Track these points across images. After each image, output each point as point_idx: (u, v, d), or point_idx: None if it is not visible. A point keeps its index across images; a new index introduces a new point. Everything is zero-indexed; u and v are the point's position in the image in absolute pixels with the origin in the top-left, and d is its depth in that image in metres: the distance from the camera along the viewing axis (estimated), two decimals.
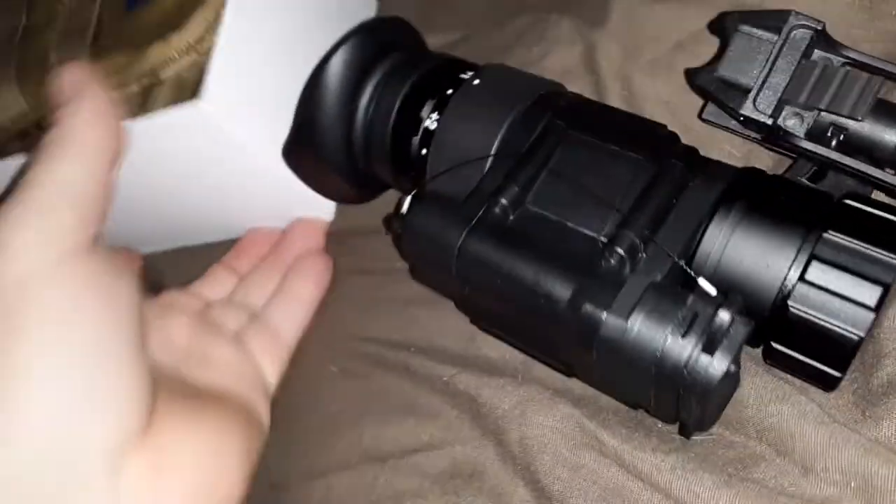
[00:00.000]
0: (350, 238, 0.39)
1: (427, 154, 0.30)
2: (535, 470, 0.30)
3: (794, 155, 0.29)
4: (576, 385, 0.31)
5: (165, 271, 0.44)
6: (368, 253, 0.38)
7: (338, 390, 0.36)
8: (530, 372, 0.32)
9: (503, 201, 0.27)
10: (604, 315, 0.25)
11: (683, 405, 0.25)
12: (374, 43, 0.33)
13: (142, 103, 0.36)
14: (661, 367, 0.24)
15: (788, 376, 0.28)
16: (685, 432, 0.27)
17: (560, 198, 0.27)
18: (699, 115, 0.31)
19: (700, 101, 0.33)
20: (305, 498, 0.34)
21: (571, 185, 0.27)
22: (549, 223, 0.27)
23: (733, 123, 0.29)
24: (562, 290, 0.26)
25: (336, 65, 0.33)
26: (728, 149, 0.32)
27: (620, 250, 0.25)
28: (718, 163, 0.28)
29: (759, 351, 0.28)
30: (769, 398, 0.28)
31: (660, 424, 0.29)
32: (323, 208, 0.40)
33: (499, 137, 0.29)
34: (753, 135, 0.29)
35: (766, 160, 0.32)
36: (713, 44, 0.34)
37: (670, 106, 0.35)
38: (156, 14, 0.37)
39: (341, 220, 0.40)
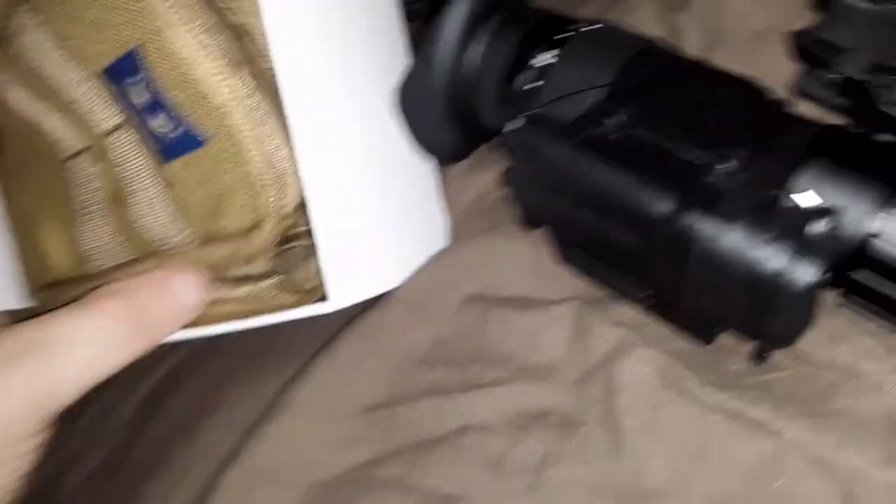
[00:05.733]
0: None
1: (540, 87, 0.33)
2: (612, 408, 0.31)
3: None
4: (657, 329, 0.33)
5: None
6: None
7: None
8: None
9: (609, 122, 0.30)
10: (704, 223, 0.27)
11: (770, 315, 0.26)
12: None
13: None
14: (754, 273, 0.26)
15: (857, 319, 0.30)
16: (764, 349, 0.29)
17: (665, 124, 0.30)
18: (796, 90, 0.34)
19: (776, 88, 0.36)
20: None
21: (676, 113, 0.30)
22: (653, 145, 0.29)
23: (827, 95, 0.32)
24: (662, 202, 0.28)
25: (454, 13, 0.36)
26: None
27: (723, 168, 0.27)
28: (805, 117, 0.31)
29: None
30: (840, 337, 0.30)
31: (735, 366, 0.31)
32: None
33: (615, 72, 0.31)
34: (844, 105, 0.32)
35: None
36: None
37: None
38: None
39: None
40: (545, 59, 0.33)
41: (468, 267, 0.38)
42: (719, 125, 0.29)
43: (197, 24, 0.32)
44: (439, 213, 0.41)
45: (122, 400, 0.44)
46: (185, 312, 0.35)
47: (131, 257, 0.38)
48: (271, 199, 0.33)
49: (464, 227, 0.41)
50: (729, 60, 0.38)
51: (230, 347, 0.43)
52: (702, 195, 0.27)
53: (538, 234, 0.37)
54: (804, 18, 0.38)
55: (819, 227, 0.25)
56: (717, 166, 0.28)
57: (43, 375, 0.28)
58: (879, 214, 0.26)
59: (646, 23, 0.41)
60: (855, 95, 0.31)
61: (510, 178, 0.33)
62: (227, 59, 0.32)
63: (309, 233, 0.35)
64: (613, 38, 0.33)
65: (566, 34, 0.33)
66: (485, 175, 0.42)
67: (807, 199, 0.26)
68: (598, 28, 0.33)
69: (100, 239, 0.39)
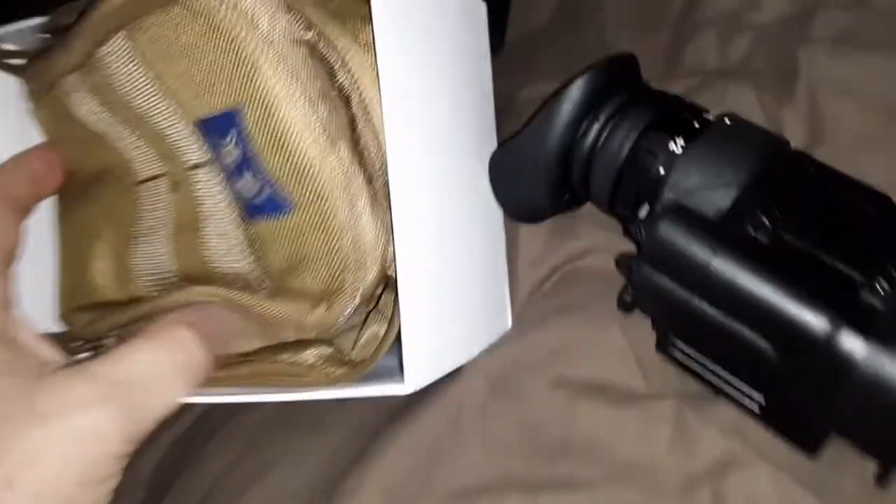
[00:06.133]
0: None
1: (664, 175, 0.32)
2: None
3: None
4: (762, 436, 0.31)
5: None
6: None
7: None
8: None
9: (760, 225, 0.28)
10: (867, 347, 0.25)
11: None
12: (613, 73, 0.35)
13: None
14: None
15: None
16: (888, 471, 0.28)
17: (815, 232, 0.28)
18: None
19: None
20: None
21: (825, 221, 0.29)
22: (805, 254, 0.28)
23: None
24: (820, 318, 0.26)
25: (579, 87, 0.34)
26: None
27: (883, 285, 0.26)
28: None
29: None
30: None
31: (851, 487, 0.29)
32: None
33: (751, 171, 0.30)
34: None
35: None
36: (890, 144, 0.37)
37: None
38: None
39: None
40: (673, 147, 0.32)
41: (553, 348, 0.36)
42: (868, 240, 0.28)
43: (302, 93, 0.30)
44: (506, 288, 0.40)
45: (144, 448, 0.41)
46: None
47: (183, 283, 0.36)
48: (349, 277, 0.31)
49: (532, 303, 0.39)
50: (831, 163, 0.38)
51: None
52: (860, 315, 0.26)
53: (626, 319, 0.35)
54: None
55: None
56: (875, 284, 0.27)
57: (129, 416, 0.28)
58: None
59: (743, 111, 0.41)
60: None
61: (628, 262, 0.32)
62: (327, 135, 0.30)
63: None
64: (748, 134, 0.32)
65: (694, 122, 0.32)
66: (561, 249, 0.40)
67: None
68: (731, 122, 0.32)
69: (156, 262, 0.37)
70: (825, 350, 0.26)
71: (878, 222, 0.29)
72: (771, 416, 0.31)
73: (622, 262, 0.32)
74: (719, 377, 0.31)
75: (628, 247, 0.37)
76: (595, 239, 0.39)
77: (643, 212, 0.31)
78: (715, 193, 0.30)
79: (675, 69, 0.46)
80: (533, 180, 0.37)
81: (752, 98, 0.41)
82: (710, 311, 0.29)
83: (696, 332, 0.31)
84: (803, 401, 0.28)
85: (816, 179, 0.31)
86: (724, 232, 0.29)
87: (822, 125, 0.39)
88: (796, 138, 0.39)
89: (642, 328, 0.34)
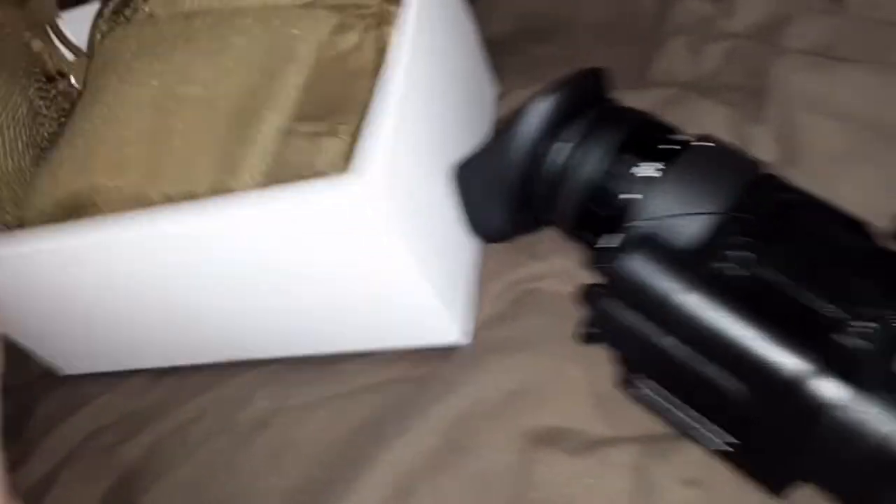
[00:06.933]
0: None
1: (636, 200, 0.29)
2: None
3: None
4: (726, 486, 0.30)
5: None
6: None
7: None
8: None
9: (737, 259, 0.27)
10: (841, 391, 0.24)
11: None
12: (580, 91, 0.33)
13: None
14: (889, 450, 0.23)
15: None
16: None
17: (792, 267, 0.27)
18: None
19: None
20: None
21: (803, 256, 0.27)
22: (782, 290, 0.26)
23: None
24: (795, 359, 0.25)
25: (535, 111, 0.32)
26: None
27: (860, 327, 0.25)
28: None
29: None
30: None
31: None
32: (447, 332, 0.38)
33: (728, 199, 0.28)
34: None
35: None
36: (871, 163, 0.35)
37: None
38: None
39: None
40: (648, 170, 0.30)
41: (511, 390, 0.34)
42: (844, 277, 0.27)
43: None
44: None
45: None
46: None
47: None
48: None
49: (489, 327, 0.38)
50: (805, 182, 0.36)
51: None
52: (838, 359, 0.25)
53: (585, 355, 0.33)
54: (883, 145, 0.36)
55: None
56: (853, 324, 0.25)
57: None
58: None
59: (715, 128, 0.39)
60: None
61: (592, 294, 0.30)
62: None
63: None
64: (725, 159, 0.30)
65: (670, 145, 0.30)
66: (522, 268, 0.39)
67: None
68: (709, 146, 0.30)
69: None
70: (796, 393, 0.25)
71: (856, 257, 0.28)
72: (739, 458, 0.29)
73: (585, 293, 0.30)
74: (686, 417, 0.30)
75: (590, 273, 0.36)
76: (559, 262, 0.37)
77: (609, 240, 0.29)
78: (688, 223, 0.28)
79: (645, 81, 0.44)
80: (493, 201, 0.35)
81: (723, 115, 0.39)
82: (680, 348, 0.28)
83: (663, 370, 0.29)
84: (773, 444, 0.27)
85: (794, 207, 0.29)
86: (697, 266, 0.27)
87: (795, 142, 0.38)
88: (769, 157, 0.38)
89: (603, 365, 0.33)
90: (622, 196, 0.30)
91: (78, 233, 0.36)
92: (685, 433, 0.30)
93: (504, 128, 0.33)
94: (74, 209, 0.40)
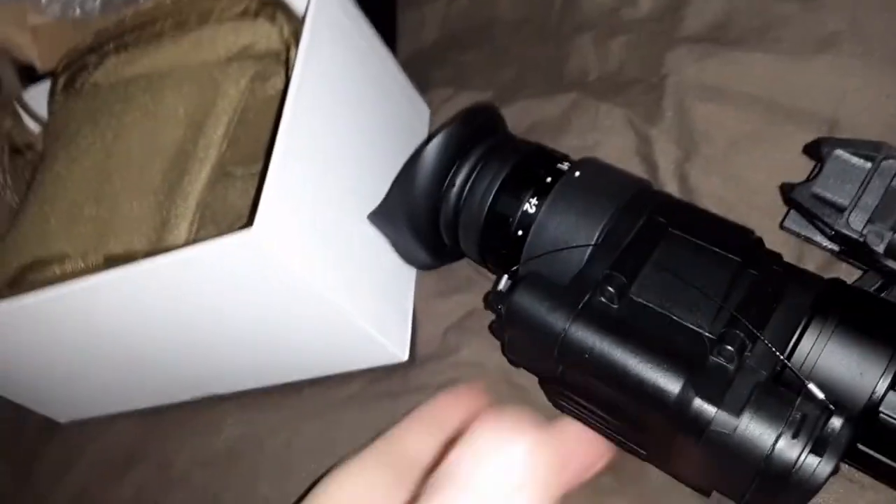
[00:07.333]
0: None
1: (522, 236, 0.31)
2: None
3: (864, 268, 0.31)
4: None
5: None
6: None
7: None
8: None
9: (610, 289, 0.28)
10: (715, 411, 0.26)
11: (782, 498, 0.26)
12: (471, 128, 0.35)
13: None
14: (769, 465, 0.25)
15: (856, 476, 0.30)
16: None
17: (664, 291, 0.28)
18: (780, 225, 0.33)
19: (753, 197, 0.36)
20: None
21: (675, 279, 0.28)
22: (655, 315, 0.28)
23: (816, 235, 0.32)
24: (671, 382, 0.27)
25: (435, 145, 0.34)
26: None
27: (730, 347, 0.26)
28: (804, 270, 0.30)
29: None
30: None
31: None
32: (388, 353, 0.40)
33: (601, 227, 0.30)
34: (831, 245, 0.32)
35: (818, 260, 0.34)
36: (767, 144, 0.37)
37: (725, 202, 0.37)
38: None
39: None
40: (527, 206, 0.32)
41: None
42: (722, 288, 0.28)
43: None
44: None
45: None
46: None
47: None
48: None
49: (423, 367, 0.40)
50: (707, 171, 0.38)
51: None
52: (710, 380, 0.26)
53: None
54: (778, 125, 0.37)
55: (837, 421, 0.25)
56: (725, 345, 0.27)
57: None
58: (885, 386, 0.26)
59: (615, 132, 0.40)
60: (849, 245, 0.31)
61: (496, 330, 0.32)
62: None
63: None
64: (601, 184, 0.32)
65: (548, 178, 0.32)
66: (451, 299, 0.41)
67: (816, 390, 0.26)
68: (580, 174, 0.32)
69: None
70: (678, 412, 0.27)
71: (737, 273, 0.29)
72: (660, 464, 0.32)
73: (489, 328, 0.32)
74: (608, 429, 0.32)
75: None
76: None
77: (502, 283, 0.31)
78: (569, 255, 0.30)
79: (557, 83, 0.45)
80: (412, 237, 0.37)
81: (623, 117, 0.40)
82: (577, 377, 0.29)
83: (570, 393, 0.31)
84: (671, 458, 0.29)
85: (677, 226, 0.30)
86: (576, 298, 0.29)
87: (694, 134, 0.39)
88: (668, 156, 0.39)
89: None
90: (509, 232, 0.32)
91: (30, 303, 0.38)
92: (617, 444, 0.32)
93: (403, 169, 0.35)
94: (29, 282, 0.42)
